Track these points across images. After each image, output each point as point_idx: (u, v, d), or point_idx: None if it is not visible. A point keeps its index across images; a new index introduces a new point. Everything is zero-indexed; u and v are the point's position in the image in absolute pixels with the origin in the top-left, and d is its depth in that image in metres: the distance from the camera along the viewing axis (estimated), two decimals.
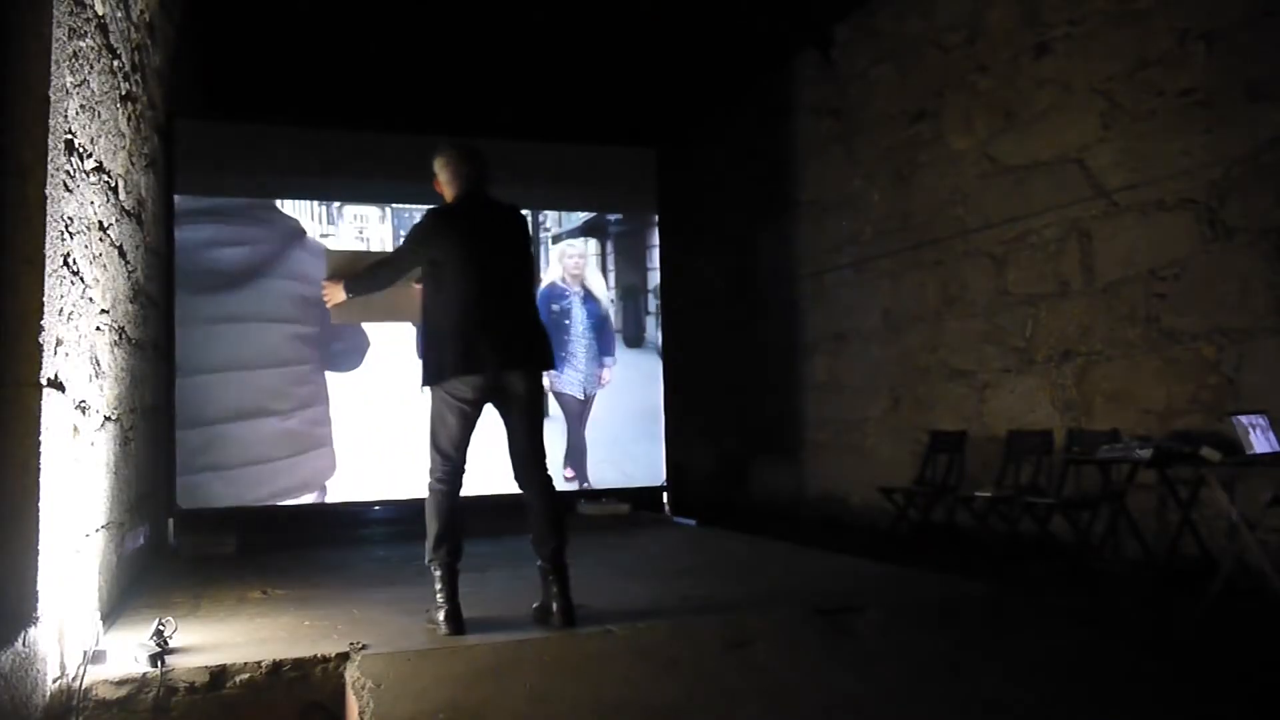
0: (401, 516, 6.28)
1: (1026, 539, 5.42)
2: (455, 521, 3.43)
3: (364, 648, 2.93)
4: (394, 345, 6.34)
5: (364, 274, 3.75)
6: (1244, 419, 4.36)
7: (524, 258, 3.58)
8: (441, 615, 3.27)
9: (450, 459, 3.44)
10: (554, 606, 3.31)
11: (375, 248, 6.47)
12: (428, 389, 3.48)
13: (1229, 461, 4.30)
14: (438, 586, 3.33)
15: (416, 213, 6.58)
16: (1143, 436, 4.93)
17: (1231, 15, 4.78)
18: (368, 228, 6.49)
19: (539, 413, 3.48)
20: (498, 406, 3.46)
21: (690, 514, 6.51)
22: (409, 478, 6.10)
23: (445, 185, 3.61)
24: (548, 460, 3.50)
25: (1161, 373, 5.10)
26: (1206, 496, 4.67)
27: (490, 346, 3.34)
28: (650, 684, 2.82)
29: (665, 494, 6.67)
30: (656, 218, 6.87)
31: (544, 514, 3.40)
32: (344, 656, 2.88)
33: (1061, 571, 5.04)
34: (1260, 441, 4.33)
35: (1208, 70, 4.88)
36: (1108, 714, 2.84)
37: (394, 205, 6.48)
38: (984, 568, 4.99)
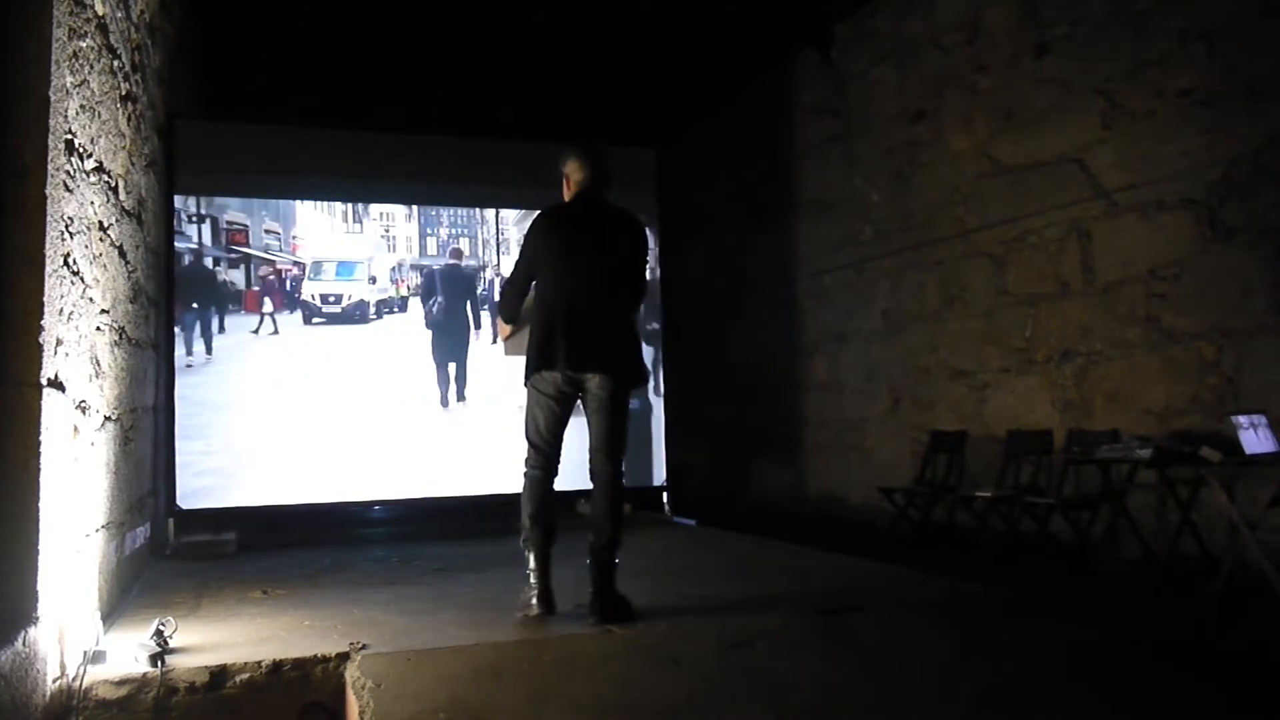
0: (401, 516, 6.30)
1: (1026, 539, 5.42)
2: (548, 506, 3.49)
3: (364, 648, 2.93)
4: (396, 347, 6.36)
5: (501, 299, 3.85)
6: (1244, 419, 4.36)
7: (623, 262, 3.56)
8: (533, 597, 3.34)
9: (539, 449, 3.53)
10: (591, 601, 3.38)
11: (400, 247, 6.59)
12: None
13: (1229, 461, 4.30)
14: (530, 568, 3.39)
15: (444, 212, 6.63)
16: (1143, 436, 4.93)
17: (1231, 15, 4.78)
18: (394, 226, 6.55)
19: (615, 414, 3.48)
20: (582, 401, 3.53)
21: (690, 514, 6.51)
22: (409, 478, 6.12)
23: (571, 187, 3.67)
24: (622, 458, 3.53)
25: (1161, 373, 5.10)
26: (1206, 496, 4.67)
27: (566, 346, 3.41)
28: (650, 684, 2.82)
29: (665, 494, 6.68)
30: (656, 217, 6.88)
31: (600, 505, 3.48)
32: (344, 656, 2.88)
33: (1061, 571, 5.04)
34: (1260, 441, 4.33)
35: (1208, 70, 4.88)
36: (1107, 714, 2.84)
37: (415, 205, 6.52)
38: (984, 568, 4.99)
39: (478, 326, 6.59)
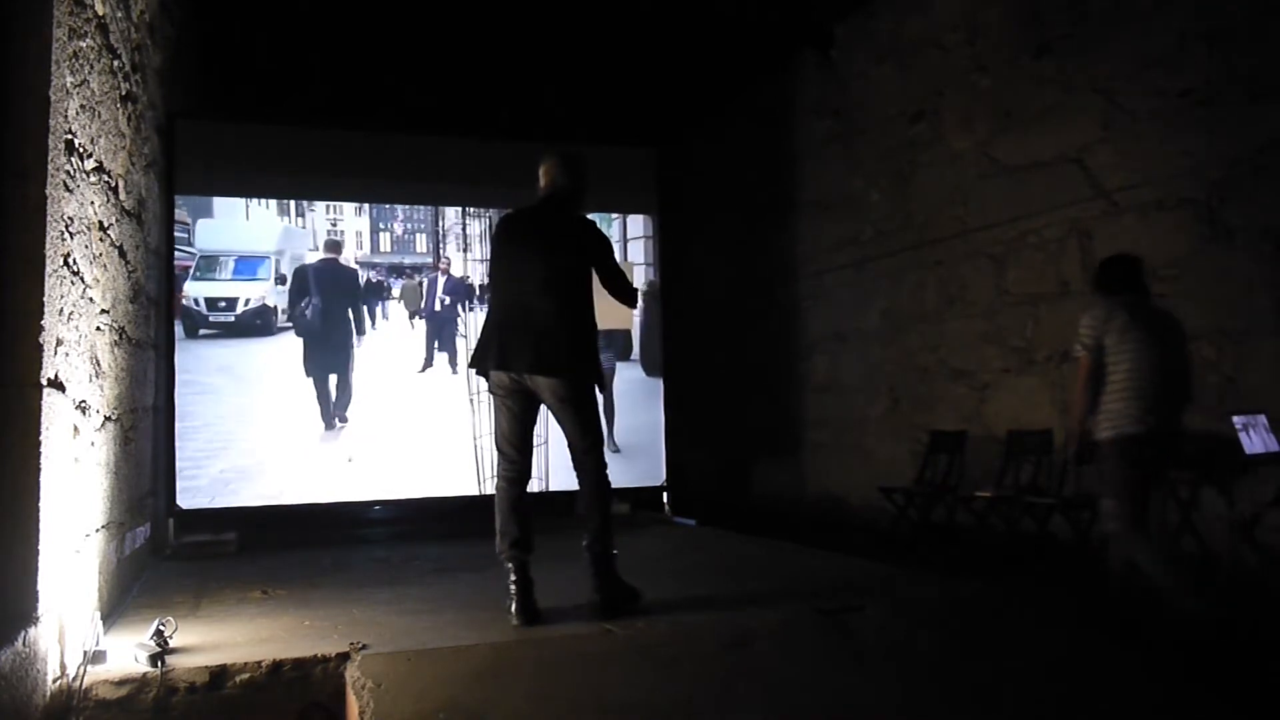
0: (401, 516, 6.29)
1: (1026, 539, 5.42)
2: (520, 516, 3.50)
3: (364, 648, 2.93)
4: (393, 346, 6.32)
5: None
6: (1243, 419, 4.36)
7: (571, 266, 3.54)
8: (512, 608, 3.36)
9: (507, 455, 3.56)
10: (593, 594, 3.42)
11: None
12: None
13: (1229, 461, 4.30)
14: (509, 580, 3.41)
15: (419, 210, 6.52)
16: None
17: (1231, 15, 4.78)
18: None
19: (576, 411, 3.49)
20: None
21: (690, 514, 6.51)
22: (409, 477, 6.12)
23: (539, 191, 3.71)
24: (602, 450, 3.57)
25: None
26: (1206, 496, 4.67)
27: (498, 347, 3.45)
28: (650, 684, 2.82)
29: (665, 494, 6.67)
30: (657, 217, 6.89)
31: (584, 500, 3.54)
32: (344, 656, 2.88)
33: (1061, 571, 5.04)
34: (1259, 441, 4.33)
35: (1208, 70, 4.88)
36: (1108, 714, 2.84)
37: (416, 205, 6.34)
38: (984, 568, 4.99)
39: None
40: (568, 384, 3.45)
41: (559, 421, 3.53)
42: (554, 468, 5.77)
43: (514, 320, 3.46)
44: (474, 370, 3.62)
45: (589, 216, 3.77)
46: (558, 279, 3.49)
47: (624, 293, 3.70)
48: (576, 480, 3.58)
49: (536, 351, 3.41)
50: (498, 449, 3.58)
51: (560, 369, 3.43)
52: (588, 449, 3.52)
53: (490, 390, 3.57)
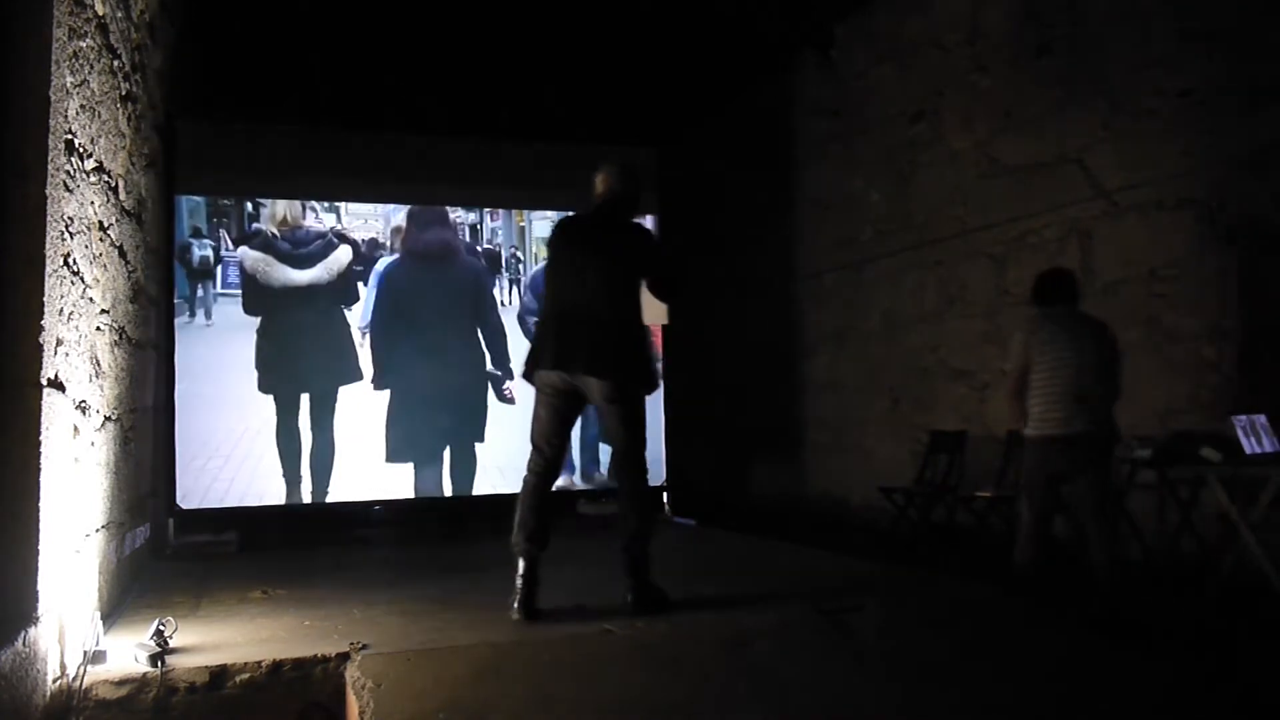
0: (401, 517, 6.30)
1: None
2: (540, 511, 3.55)
3: (364, 648, 2.94)
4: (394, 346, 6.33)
5: None
6: (1243, 419, 4.37)
7: (627, 271, 3.63)
8: (515, 602, 3.40)
9: (541, 451, 3.62)
10: (625, 594, 3.49)
11: None
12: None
13: (1229, 461, 4.30)
14: (518, 573, 3.45)
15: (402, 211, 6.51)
16: (1143, 436, 4.93)
17: (1231, 15, 4.77)
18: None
19: (625, 415, 3.57)
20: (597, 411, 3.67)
21: (690, 514, 6.51)
22: (409, 477, 6.12)
23: (594, 199, 3.81)
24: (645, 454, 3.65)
25: (1161, 373, 5.09)
26: (1206, 496, 4.67)
27: (555, 347, 3.53)
28: (650, 684, 2.82)
29: (665, 494, 6.67)
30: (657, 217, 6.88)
31: (624, 502, 3.61)
32: (344, 656, 2.89)
33: (1061, 571, 5.03)
34: (1259, 442, 4.33)
35: (1208, 70, 4.88)
36: (1108, 714, 2.85)
37: (416, 205, 6.38)
38: (984, 568, 4.98)
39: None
40: (618, 386, 3.52)
41: (605, 422, 3.61)
42: None
43: (570, 322, 3.55)
44: (524, 377, 3.69)
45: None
46: (614, 284, 3.59)
47: (674, 289, 3.88)
48: (616, 481, 3.66)
49: (591, 353, 3.49)
50: (533, 443, 3.64)
51: (613, 371, 3.51)
52: (631, 452, 3.58)
53: (537, 387, 3.64)
